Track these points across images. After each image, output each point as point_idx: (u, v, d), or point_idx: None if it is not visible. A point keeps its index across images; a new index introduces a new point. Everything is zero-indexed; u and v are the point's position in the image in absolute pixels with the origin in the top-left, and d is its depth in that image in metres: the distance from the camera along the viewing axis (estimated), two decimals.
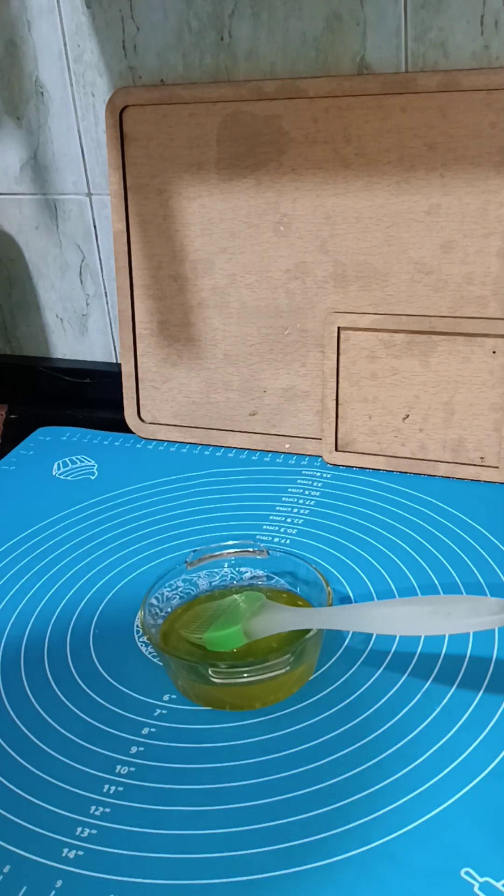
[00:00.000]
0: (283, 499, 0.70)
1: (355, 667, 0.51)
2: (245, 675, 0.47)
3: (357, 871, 0.39)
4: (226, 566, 0.58)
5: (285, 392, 0.77)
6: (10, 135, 0.85)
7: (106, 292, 0.89)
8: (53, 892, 0.39)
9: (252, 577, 0.58)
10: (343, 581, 0.59)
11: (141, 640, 0.56)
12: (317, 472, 0.74)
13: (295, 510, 0.69)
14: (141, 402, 0.83)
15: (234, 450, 0.79)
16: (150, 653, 0.55)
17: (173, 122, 0.75)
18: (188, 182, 0.76)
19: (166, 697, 0.51)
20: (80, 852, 0.41)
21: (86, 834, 0.42)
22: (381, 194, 0.70)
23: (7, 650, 0.56)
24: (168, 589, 0.56)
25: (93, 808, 0.44)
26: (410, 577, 0.59)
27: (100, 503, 0.72)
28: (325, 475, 0.74)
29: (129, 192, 0.78)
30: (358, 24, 0.68)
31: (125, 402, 0.82)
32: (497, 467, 0.70)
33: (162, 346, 0.81)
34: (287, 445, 0.78)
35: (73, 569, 0.63)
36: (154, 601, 0.54)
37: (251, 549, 0.57)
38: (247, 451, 0.79)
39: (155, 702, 0.50)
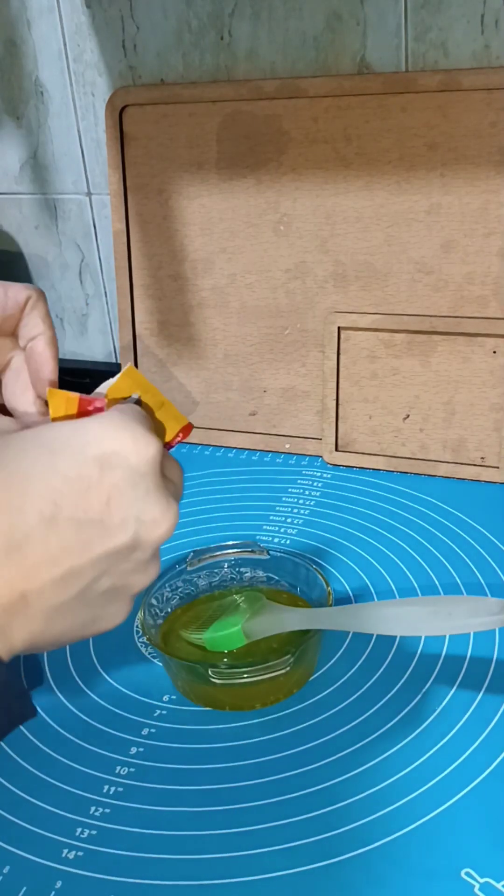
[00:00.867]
0: (283, 499, 0.70)
1: (355, 667, 0.51)
2: (245, 675, 0.47)
3: (357, 871, 0.39)
4: (226, 566, 0.58)
5: (285, 392, 0.77)
6: (10, 135, 0.85)
7: (106, 292, 0.89)
8: (53, 893, 0.39)
9: (252, 577, 0.58)
10: (343, 581, 0.59)
11: (141, 640, 0.56)
12: (317, 472, 0.74)
13: (295, 510, 0.69)
14: None
15: (234, 450, 0.79)
16: (150, 653, 0.54)
17: (173, 121, 0.75)
18: (188, 182, 0.76)
19: (166, 698, 0.51)
20: (80, 853, 0.41)
21: (86, 834, 0.42)
22: (382, 194, 0.69)
23: None
24: (168, 589, 0.56)
25: (93, 808, 0.44)
26: (410, 577, 0.59)
27: None
28: (325, 475, 0.74)
29: (128, 192, 0.78)
30: (358, 23, 0.68)
31: None
32: (497, 467, 0.70)
33: (162, 346, 0.81)
34: (287, 445, 0.77)
35: None
36: (154, 601, 0.54)
37: (251, 550, 0.57)
38: (247, 451, 0.79)
39: (155, 702, 0.50)
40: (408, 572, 0.60)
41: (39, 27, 0.79)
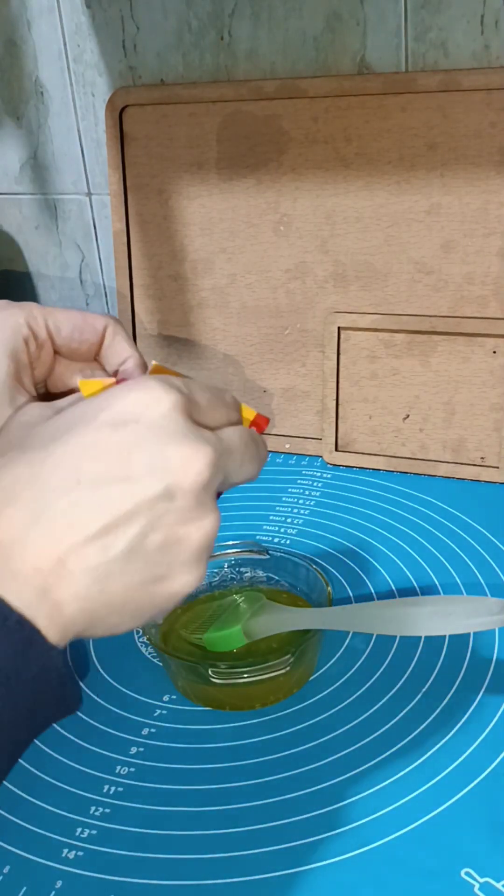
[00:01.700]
0: (283, 499, 0.70)
1: (355, 667, 0.51)
2: (245, 675, 0.47)
3: (357, 871, 0.39)
4: (226, 566, 0.58)
5: (285, 392, 0.77)
6: (10, 135, 0.85)
7: (106, 292, 0.89)
8: (53, 893, 0.39)
9: (252, 578, 0.58)
10: (343, 581, 0.59)
11: (141, 640, 0.56)
12: (317, 472, 0.74)
13: (295, 510, 0.69)
14: None
15: None
16: (150, 653, 0.54)
17: (173, 121, 0.75)
18: (188, 182, 0.76)
19: (166, 698, 0.51)
20: (80, 852, 0.41)
21: (86, 834, 0.42)
22: (381, 194, 0.70)
23: None
24: None
25: (93, 808, 0.44)
26: (410, 577, 0.59)
27: None
28: (325, 475, 0.74)
29: (129, 192, 0.78)
30: (358, 23, 0.68)
31: None
32: (497, 467, 0.70)
33: (162, 347, 0.81)
34: (287, 445, 0.77)
35: None
36: None
37: (251, 550, 0.57)
38: None
39: (155, 702, 0.50)
40: (408, 572, 0.60)
41: (39, 27, 0.79)
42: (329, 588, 0.52)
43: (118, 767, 0.46)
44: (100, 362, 0.43)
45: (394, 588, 0.58)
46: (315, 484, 0.72)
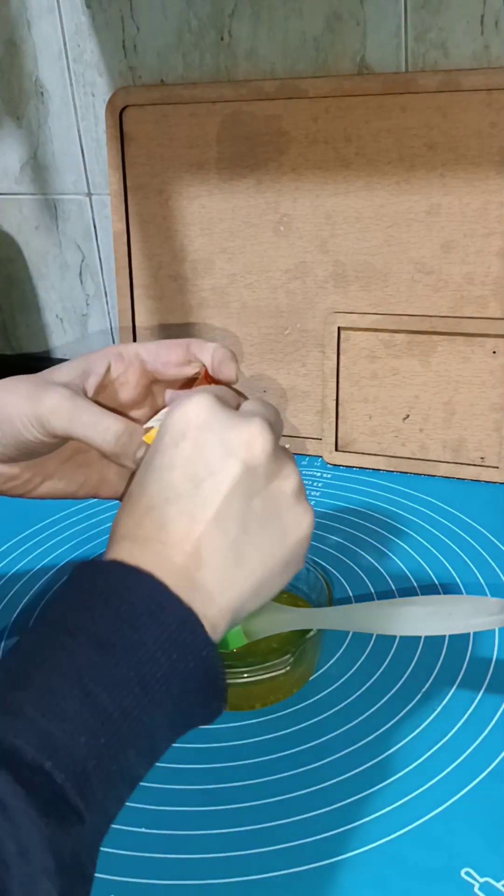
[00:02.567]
0: None
1: (355, 667, 0.51)
2: (245, 675, 0.47)
3: (357, 871, 0.39)
4: None
5: (285, 392, 0.77)
6: (10, 135, 0.85)
7: (106, 292, 0.89)
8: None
9: None
10: (343, 581, 0.59)
11: None
12: (317, 472, 0.74)
13: None
14: None
15: None
16: None
17: (173, 122, 0.75)
18: (188, 182, 0.76)
19: None
20: None
21: None
22: (381, 194, 0.70)
23: (7, 650, 0.56)
24: None
25: None
26: (410, 577, 0.59)
27: (100, 503, 0.72)
28: (325, 475, 0.74)
29: (129, 192, 0.78)
30: (358, 24, 0.68)
31: None
32: (497, 467, 0.70)
33: None
34: (287, 445, 0.77)
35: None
36: None
37: None
38: None
39: None
40: (408, 572, 0.60)
41: (39, 27, 0.79)
42: (329, 588, 0.52)
43: None
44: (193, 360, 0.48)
45: (394, 588, 0.58)
46: (315, 484, 0.72)
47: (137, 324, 0.81)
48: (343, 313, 0.73)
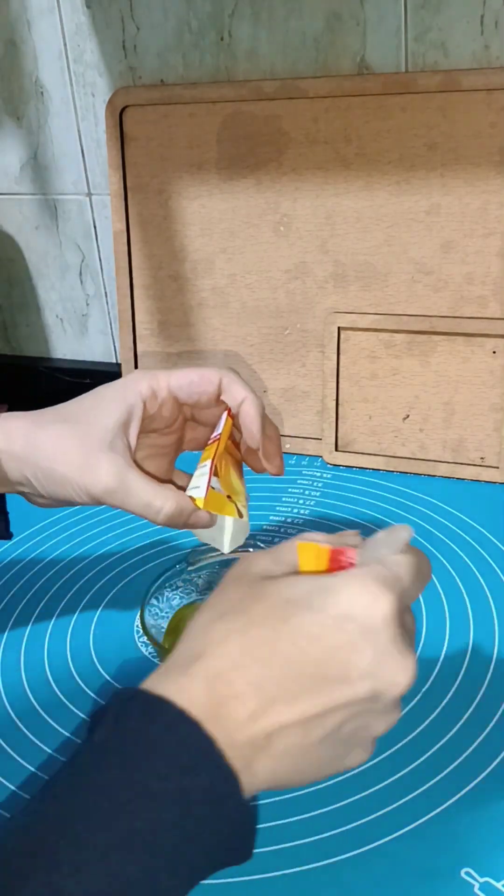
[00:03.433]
0: (284, 499, 0.70)
1: None
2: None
3: (357, 871, 0.39)
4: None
5: (285, 392, 0.77)
6: (10, 135, 0.85)
7: (106, 292, 0.89)
8: None
9: None
10: None
11: (141, 640, 0.56)
12: (317, 472, 0.74)
13: (295, 510, 0.69)
14: None
15: None
16: (150, 653, 0.55)
17: (173, 122, 0.75)
18: (188, 182, 0.76)
19: None
20: None
21: None
22: (381, 194, 0.70)
23: (7, 651, 0.56)
24: (168, 589, 0.56)
25: None
26: None
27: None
28: (325, 475, 0.74)
29: (129, 192, 0.78)
30: (358, 24, 0.68)
31: None
32: (497, 467, 0.70)
33: (162, 347, 0.81)
34: (287, 445, 0.78)
35: (74, 568, 0.63)
36: (154, 601, 0.54)
37: (251, 549, 0.57)
38: None
39: None
40: None
41: (39, 27, 0.79)
42: None
43: None
44: (221, 405, 0.49)
45: None
46: (315, 484, 0.72)
47: (137, 324, 0.81)
48: (343, 313, 0.73)
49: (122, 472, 0.43)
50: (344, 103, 0.69)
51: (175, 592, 0.56)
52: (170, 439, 0.50)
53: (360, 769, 0.44)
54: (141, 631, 0.55)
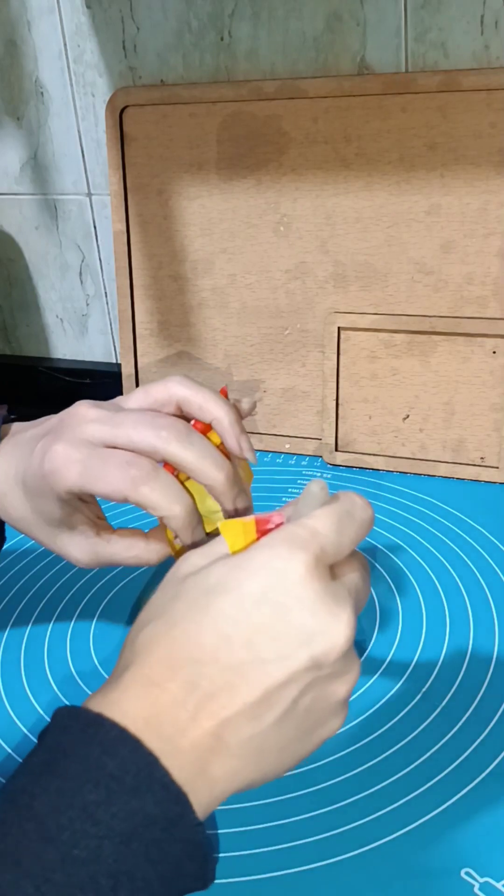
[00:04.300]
0: (284, 499, 0.70)
1: None
2: None
3: (357, 871, 0.39)
4: None
5: (285, 392, 0.77)
6: (10, 135, 0.85)
7: (106, 292, 0.89)
8: None
9: None
10: None
11: None
12: (317, 472, 0.74)
13: None
14: None
15: None
16: None
17: (173, 122, 0.75)
18: (188, 182, 0.76)
19: None
20: None
21: None
22: (381, 194, 0.70)
23: (7, 651, 0.56)
24: None
25: None
26: (410, 576, 0.59)
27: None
28: (325, 475, 0.74)
29: (129, 192, 0.78)
30: (358, 24, 0.68)
31: None
32: (497, 467, 0.70)
33: (162, 347, 0.81)
34: (287, 445, 0.78)
35: (74, 568, 0.63)
36: None
37: None
38: None
39: None
40: (408, 572, 0.60)
41: (39, 27, 0.79)
42: None
43: None
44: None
45: (393, 588, 0.58)
46: None
47: (137, 324, 0.81)
48: (343, 313, 0.73)
49: (94, 549, 0.46)
50: (344, 103, 0.69)
51: None
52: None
53: (360, 769, 0.44)
54: None
